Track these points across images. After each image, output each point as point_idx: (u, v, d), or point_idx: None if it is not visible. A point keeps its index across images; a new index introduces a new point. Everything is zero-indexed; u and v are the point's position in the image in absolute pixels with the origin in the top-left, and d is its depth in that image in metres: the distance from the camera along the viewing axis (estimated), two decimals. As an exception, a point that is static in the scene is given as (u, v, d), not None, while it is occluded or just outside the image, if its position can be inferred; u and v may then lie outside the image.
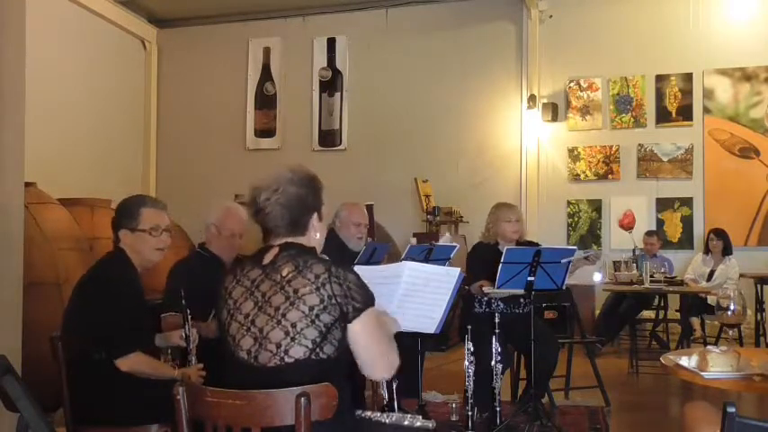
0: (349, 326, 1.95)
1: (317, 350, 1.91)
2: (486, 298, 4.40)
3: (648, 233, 7.50)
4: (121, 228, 2.88)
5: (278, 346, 1.91)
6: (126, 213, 2.91)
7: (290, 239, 2.06)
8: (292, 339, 1.91)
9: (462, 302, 4.57)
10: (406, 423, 2.13)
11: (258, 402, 1.77)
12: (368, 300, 1.99)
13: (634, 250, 7.33)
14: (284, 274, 1.97)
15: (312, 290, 1.93)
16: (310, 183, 2.12)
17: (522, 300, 4.39)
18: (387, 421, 2.11)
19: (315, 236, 2.12)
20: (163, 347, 3.10)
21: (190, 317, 2.98)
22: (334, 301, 1.93)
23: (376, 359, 2.00)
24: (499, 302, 4.39)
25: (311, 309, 1.91)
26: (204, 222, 3.78)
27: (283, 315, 1.92)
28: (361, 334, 1.97)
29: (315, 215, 2.11)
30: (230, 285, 2.06)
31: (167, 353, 3.12)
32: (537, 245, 4.70)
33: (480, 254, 4.56)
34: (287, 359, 1.91)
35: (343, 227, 4.45)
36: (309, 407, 1.73)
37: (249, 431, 1.78)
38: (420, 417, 2.17)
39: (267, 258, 2.03)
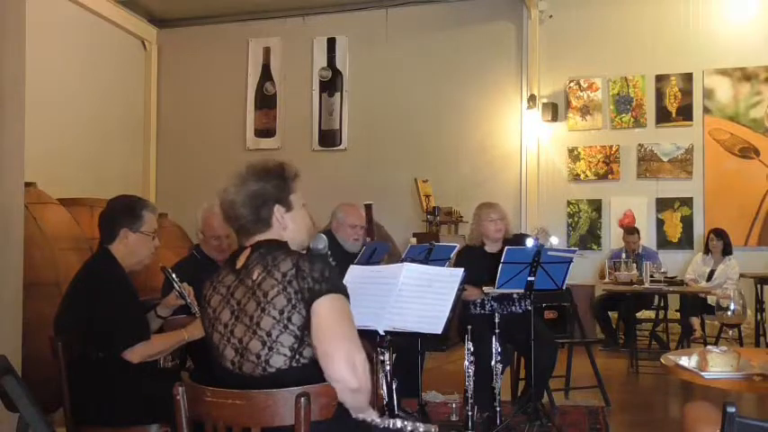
0: (311, 308, 1.85)
1: (297, 356, 1.87)
2: (479, 300, 4.40)
3: (629, 231, 7.49)
4: (123, 227, 2.88)
5: (258, 356, 1.88)
6: (129, 213, 2.91)
7: (260, 237, 2.01)
8: (270, 349, 1.87)
9: (461, 302, 4.57)
10: (409, 429, 2.09)
11: (258, 402, 1.77)
12: (335, 287, 1.89)
13: (628, 252, 7.31)
14: (254, 277, 1.91)
15: (279, 290, 1.87)
16: (267, 174, 2.02)
17: (515, 295, 4.40)
18: (390, 427, 2.07)
19: (283, 229, 2.02)
20: (166, 317, 3.13)
21: (176, 278, 3.04)
22: (299, 295, 1.86)
23: (333, 351, 1.83)
24: (493, 303, 4.39)
25: (281, 312, 1.86)
26: (200, 231, 3.82)
27: (257, 324, 1.88)
28: (318, 315, 1.85)
29: (276, 207, 2.01)
30: (208, 293, 2.02)
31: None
32: (527, 236, 4.70)
33: (467, 257, 4.52)
34: (269, 369, 1.88)
35: (340, 228, 4.45)
36: (309, 407, 1.73)
37: (249, 431, 1.78)
38: (423, 425, 2.12)
39: (240, 262, 1.99)
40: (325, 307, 1.86)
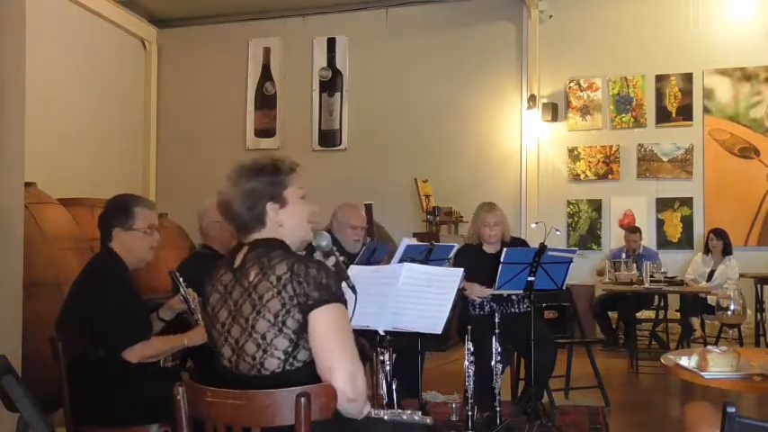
0: (308, 318, 1.85)
1: (291, 360, 1.87)
2: (478, 301, 4.40)
3: (631, 230, 7.49)
4: (115, 226, 2.88)
5: (253, 358, 1.89)
6: (120, 212, 2.91)
7: (257, 236, 1.99)
8: (264, 352, 1.87)
9: (461, 302, 4.57)
10: (404, 418, 2.12)
11: (258, 402, 1.77)
12: (330, 296, 1.87)
13: (628, 251, 7.31)
14: (251, 278, 1.90)
15: (274, 294, 1.86)
16: (259, 172, 1.99)
17: (514, 297, 4.39)
18: (385, 417, 2.10)
19: (279, 226, 2.00)
20: (168, 321, 3.13)
21: (181, 279, 3.04)
22: (295, 301, 1.85)
23: (334, 362, 1.83)
24: (492, 303, 4.39)
25: (276, 316, 1.86)
26: (202, 224, 3.80)
27: (252, 326, 1.88)
28: (318, 326, 1.85)
29: (269, 204, 1.98)
30: (208, 290, 2.02)
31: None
32: (524, 242, 4.70)
33: (466, 256, 4.52)
34: (263, 371, 1.89)
35: (340, 228, 4.44)
36: (309, 407, 1.73)
37: (249, 431, 1.78)
38: (419, 413, 2.15)
39: (238, 260, 1.98)
40: (322, 319, 1.85)
